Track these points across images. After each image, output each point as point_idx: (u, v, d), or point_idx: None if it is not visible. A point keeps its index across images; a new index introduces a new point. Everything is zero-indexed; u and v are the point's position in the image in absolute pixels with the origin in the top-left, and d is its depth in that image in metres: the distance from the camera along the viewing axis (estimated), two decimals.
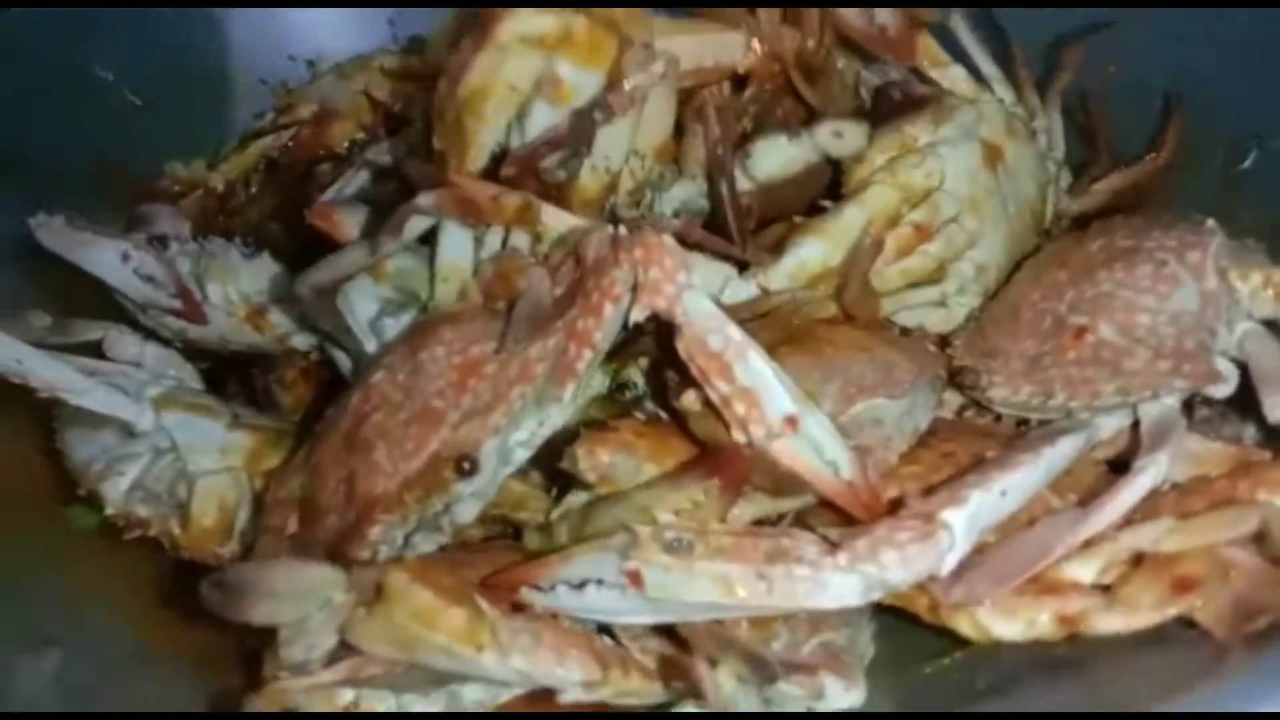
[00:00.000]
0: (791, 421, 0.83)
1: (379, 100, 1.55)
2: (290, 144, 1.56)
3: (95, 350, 1.25)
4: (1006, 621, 0.82)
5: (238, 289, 1.26)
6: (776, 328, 1.00)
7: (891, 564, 0.76)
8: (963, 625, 0.84)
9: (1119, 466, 0.95)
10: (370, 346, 1.07)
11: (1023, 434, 0.95)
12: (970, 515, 0.78)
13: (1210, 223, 0.97)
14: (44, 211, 1.24)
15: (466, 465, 0.87)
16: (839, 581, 0.76)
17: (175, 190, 1.53)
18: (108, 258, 1.22)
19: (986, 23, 1.39)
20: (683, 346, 0.85)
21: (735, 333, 0.85)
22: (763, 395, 0.83)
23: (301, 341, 1.27)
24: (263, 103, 1.60)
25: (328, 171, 1.50)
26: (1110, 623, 0.79)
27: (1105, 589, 0.81)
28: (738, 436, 0.83)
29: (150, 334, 1.29)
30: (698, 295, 0.85)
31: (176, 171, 1.55)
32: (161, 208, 1.46)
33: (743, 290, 1.03)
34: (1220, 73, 1.37)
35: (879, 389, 0.92)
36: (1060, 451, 0.85)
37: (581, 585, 0.83)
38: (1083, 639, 0.81)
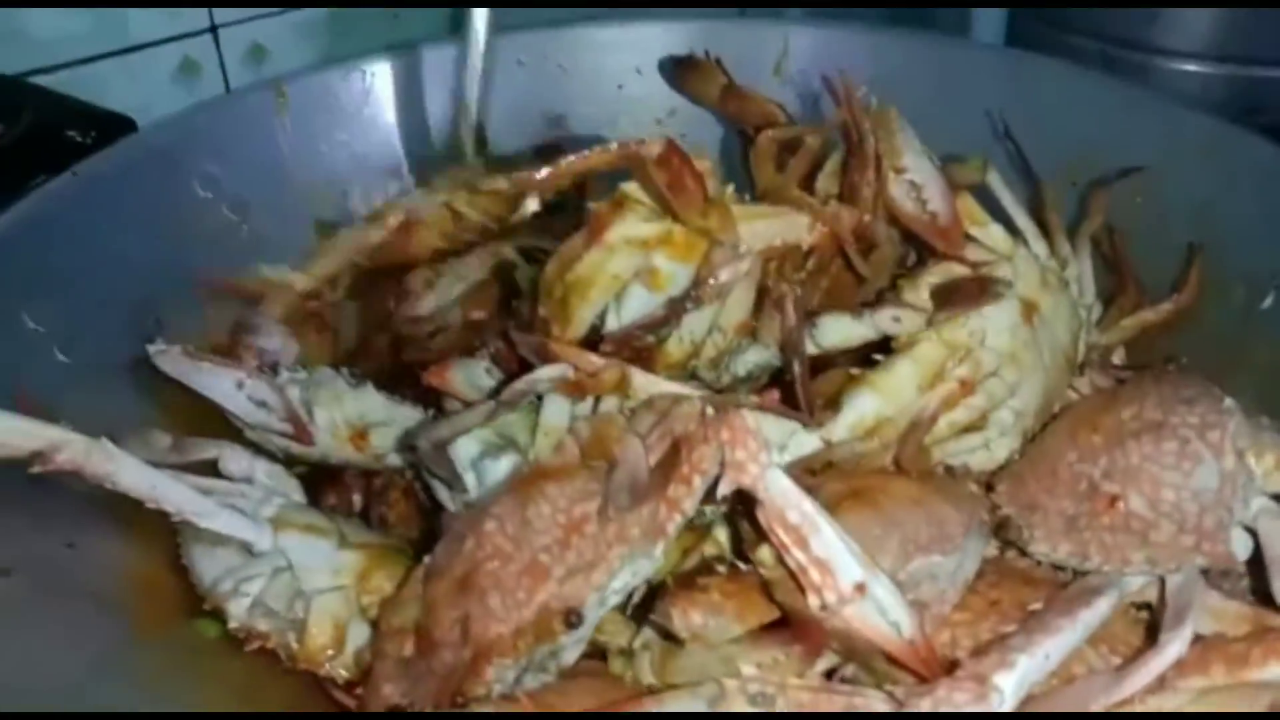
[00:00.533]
0: (860, 588, 0.95)
1: (460, 211, 1.67)
2: (376, 251, 1.67)
3: (211, 467, 1.38)
4: None
5: (343, 415, 1.37)
6: (838, 478, 1.13)
7: None
8: None
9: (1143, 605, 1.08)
10: (471, 482, 1.20)
11: (1061, 584, 1.07)
12: (1019, 678, 0.91)
13: (1229, 402, 1.08)
14: (160, 337, 1.38)
15: (574, 619, 1.00)
16: None
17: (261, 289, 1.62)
18: (224, 385, 1.35)
19: (1022, 169, 1.51)
20: (763, 517, 0.97)
21: (809, 507, 0.97)
22: (835, 564, 0.95)
23: (395, 460, 1.40)
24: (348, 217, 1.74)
25: (409, 281, 1.63)
26: None
27: None
28: (812, 601, 0.95)
29: (256, 447, 1.42)
30: (778, 474, 0.97)
31: (263, 272, 1.65)
32: (268, 320, 1.57)
33: (807, 443, 1.15)
34: (1243, 210, 1.48)
35: (933, 546, 1.04)
36: (1096, 613, 0.97)
37: None
38: None
